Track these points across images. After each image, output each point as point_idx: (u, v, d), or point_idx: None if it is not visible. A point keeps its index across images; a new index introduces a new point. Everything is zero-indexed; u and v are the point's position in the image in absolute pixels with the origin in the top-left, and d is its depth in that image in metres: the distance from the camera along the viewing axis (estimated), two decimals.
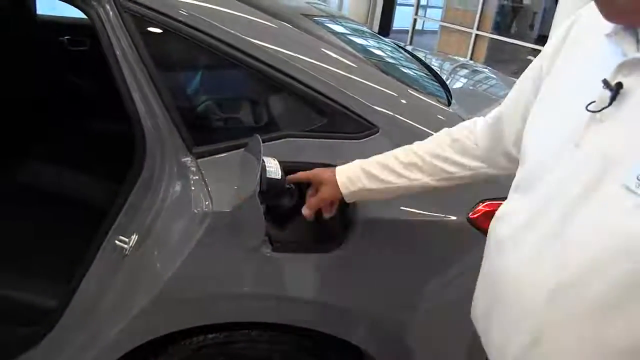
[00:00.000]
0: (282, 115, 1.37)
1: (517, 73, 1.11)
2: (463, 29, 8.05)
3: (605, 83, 0.70)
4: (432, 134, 1.13)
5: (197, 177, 1.22)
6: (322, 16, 1.91)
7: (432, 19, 10.03)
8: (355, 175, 1.10)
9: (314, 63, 1.30)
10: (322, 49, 1.40)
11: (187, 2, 1.28)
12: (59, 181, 2.09)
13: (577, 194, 0.71)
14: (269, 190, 1.09)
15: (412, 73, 1.72)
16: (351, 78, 1.33)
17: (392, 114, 1.29)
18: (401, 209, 1.25)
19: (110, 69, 1.22)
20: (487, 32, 7.78)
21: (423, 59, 2.06)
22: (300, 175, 1.15)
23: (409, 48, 2.30)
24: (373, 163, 1.10)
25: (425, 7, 10.66)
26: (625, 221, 0.66)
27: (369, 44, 1.88)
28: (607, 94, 0.69)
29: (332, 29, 1.76)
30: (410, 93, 1.41)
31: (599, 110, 0.70)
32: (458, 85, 2.05)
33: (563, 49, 0.85)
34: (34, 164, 2.17)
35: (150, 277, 1.23)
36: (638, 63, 0.69)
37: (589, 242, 0.70)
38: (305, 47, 1.37)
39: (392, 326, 1.34)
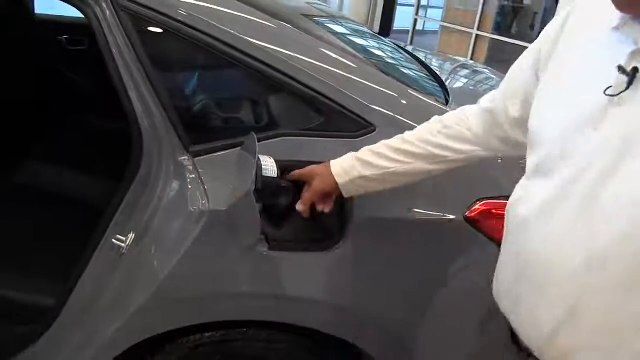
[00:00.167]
0: (278, 114, 1.37)
1: None
2: (464, 29, 8.06)
3: (621, 69, 0.73)
4: None
5: (193, 176, 1.22)
6: (322, 17, 1.91)
7: (433, 19, 10.04)
8: (349, 165, 1.12)
9: (312, 63, 1.30)
10: (321, 49, 1.39)
11: (184, 1, 1.28)
12: (58, 181, 2.10)
13: (601, 171, 0.74)
14: (265, 188, 1.09)
15: (411, 73, 1.72)
16: (350, 78, 1.33)
17: (389, 113, 1.29)
18: (399, 208, 1.25)
19: (108, 68, 1.22)
20: (487, 33, 7.78)
21: (423, 59, 2.06)
22: (295, 173, 1.16)
23: (409, 48, 2.30)
24: (366, 152, 1.13)
25: (425, 8, 10.67)
26: None
27: (369, 45, 1.88)
28: (624, 79, 0.73)
29: (332, 29, 1.77)
30: (410, 93, 1.41)
31: (617, 94, 0.73)
32: (458, 85, 2.05)
33: (562, 38, 0.88)
34: (32, 164, 2.17)
35: (147, 276, 1.24)
36: None
37: (617, 216, 0.72)
38: (304, 47, 1.37)
39: (390, 325, 1.34)
